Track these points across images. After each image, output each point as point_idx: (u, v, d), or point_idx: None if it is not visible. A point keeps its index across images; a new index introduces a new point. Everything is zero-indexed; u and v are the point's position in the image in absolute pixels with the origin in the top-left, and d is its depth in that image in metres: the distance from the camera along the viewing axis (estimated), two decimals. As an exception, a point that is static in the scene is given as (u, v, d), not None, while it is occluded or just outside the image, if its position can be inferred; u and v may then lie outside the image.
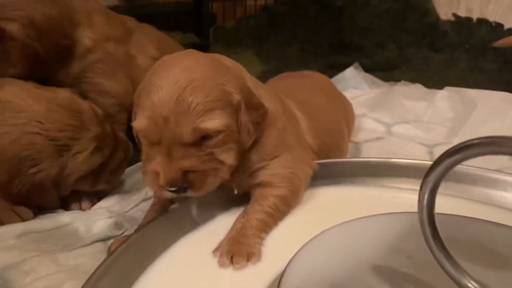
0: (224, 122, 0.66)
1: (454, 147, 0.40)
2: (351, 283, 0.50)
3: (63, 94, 0.87)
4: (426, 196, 0.43)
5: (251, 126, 0.71)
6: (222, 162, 0.68)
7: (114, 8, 1.21)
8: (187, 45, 1.16)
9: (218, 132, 0.66)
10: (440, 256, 0.44)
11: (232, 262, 0.65)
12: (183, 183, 0.65)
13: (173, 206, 0.74)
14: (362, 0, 2.25)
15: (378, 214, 0.61)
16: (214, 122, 0.65)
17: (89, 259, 0.72)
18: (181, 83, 0.64)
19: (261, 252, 0.67)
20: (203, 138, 0.65)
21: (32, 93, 0.84)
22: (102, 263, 0.60)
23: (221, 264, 0.65)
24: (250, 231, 0.70)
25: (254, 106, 0.71)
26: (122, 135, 0.97)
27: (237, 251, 0.66)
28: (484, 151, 0.37)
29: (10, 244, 0.75)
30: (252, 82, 0.76)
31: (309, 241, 0.56)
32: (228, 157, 0.69)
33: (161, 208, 0.76)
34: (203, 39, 2.07)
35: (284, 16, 2.34)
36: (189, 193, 0.67)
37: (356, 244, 0.56)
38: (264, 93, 0.78)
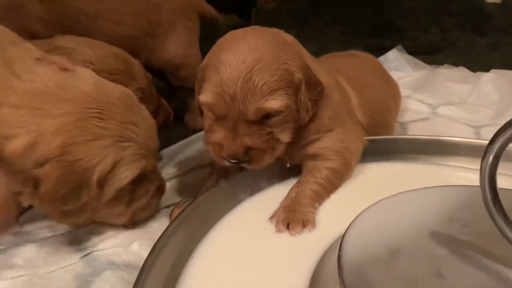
0: (285, 102, 0.69)
1: (521, 114, 0.42)
2: (410, 247, 0.52)
3: (117, 48, 0.91)
4: (489, 161, 0.45)
5: (309, 103, 0.74)
6: (279, 141, 0.73)
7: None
8: (229, 26, 1.19)
9: (279, 112, 0.69)
10: (500, 221, 0.46)
11: (288, 228, 0.68)
12: (243, 157, 0.70)
13: (230, 176, 0.78)
14: (405, -19, 2.21)
15: (434, 186, 0.63)
16: (276, 102, 0.68)
17: (153, 221, 0.77)
18: (248, 62, 0.67)
19: (315, 220, 0.71)
20: (265, 117, 0.69)
21: (89, 42, 0.88)
22: (170, 224, 0.65)
23: (278, 230, 0.69)
24: (304, 200, 0.73)
25: (313, 84, 0.74)
26: (164, 102, 1.03)
27: (293, 218, 0.69)
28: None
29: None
30: (308, 57, 0.79)
31: (367, 208, 0.58)
32: (285, 136, 0.73)
33: (219, 177, 0.79)
34: (245, 20, 2.09)
35: (325, -3, 2.33)
36: (246, 166, 0.72)
37: (413, 212, 0.58)
38: (319, 68, 0.80)
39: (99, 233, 0.74)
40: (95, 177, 0.62)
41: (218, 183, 0.76)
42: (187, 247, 0.64)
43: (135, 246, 0.70)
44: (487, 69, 1.57)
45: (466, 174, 0.82)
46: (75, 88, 0.63)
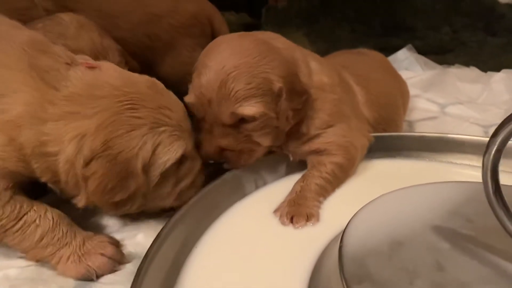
0: (259, 110, 0.71)
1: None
2: (411, 240, 0.52)
3: (107, 40, 0.91)
4: (492, 154, 0.45)
5: (290, 112, 0.75)
6: (258, 144, 0.75)
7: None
8: (240, 25, 1.19)
9: (253, 118, 0.72)
10: (501, 213, 0.46)
11: (292, 222, 0.69)
12: (219, 158, 0.74)
13: (236, 169, 0.78)
14: (416, -20, 2.20)
15: (438, 182, 0.63)
16: (250, 109, 0.70)
17: (157, 216, 0.77)
18: (226, 68, 0.70)
19: (319, 215, 0.71)
20: (241, 121, 0.72)
21: (82, 21, 0.89)
22: (175, 214, 0.66)
23: (282, 223, 0.69)
24: (309, 194, 0.73)
25: (297, 93, 0.75)
26: None
27: (297, 212, 0.70)
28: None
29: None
30: (303, 58, 0.80)
31: (370, 201, 0.59)
32: (264, 140, 0.75)
33: (224, 170, 0.80)
34: (255, 19, 2.10)
35: (336, -4, 2.32)
36: (225, 166, 0.76)
37: (416, 207, 0.58)
38: (319, 66, 0.81)
39: (105, 225, 0.75)
40: (139, 165, 0.64)
41: (224, 176, 0.76)
42: (192, 236, 0.65)
43: (140, 237, 0.71)
44: (498, 70, 1.56)
45: (471, 171, 0.81)
46: (105, 84, 0.65)
